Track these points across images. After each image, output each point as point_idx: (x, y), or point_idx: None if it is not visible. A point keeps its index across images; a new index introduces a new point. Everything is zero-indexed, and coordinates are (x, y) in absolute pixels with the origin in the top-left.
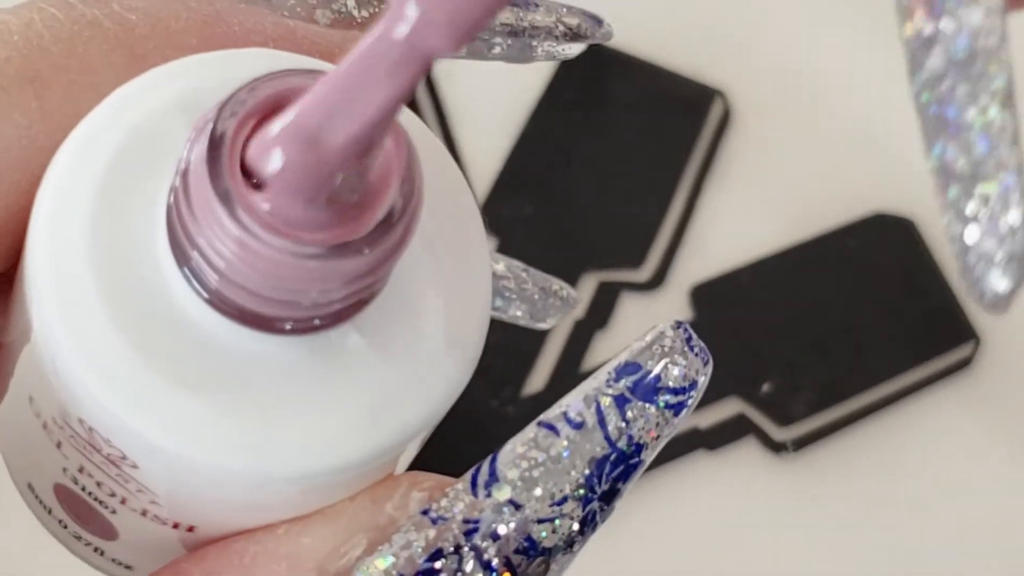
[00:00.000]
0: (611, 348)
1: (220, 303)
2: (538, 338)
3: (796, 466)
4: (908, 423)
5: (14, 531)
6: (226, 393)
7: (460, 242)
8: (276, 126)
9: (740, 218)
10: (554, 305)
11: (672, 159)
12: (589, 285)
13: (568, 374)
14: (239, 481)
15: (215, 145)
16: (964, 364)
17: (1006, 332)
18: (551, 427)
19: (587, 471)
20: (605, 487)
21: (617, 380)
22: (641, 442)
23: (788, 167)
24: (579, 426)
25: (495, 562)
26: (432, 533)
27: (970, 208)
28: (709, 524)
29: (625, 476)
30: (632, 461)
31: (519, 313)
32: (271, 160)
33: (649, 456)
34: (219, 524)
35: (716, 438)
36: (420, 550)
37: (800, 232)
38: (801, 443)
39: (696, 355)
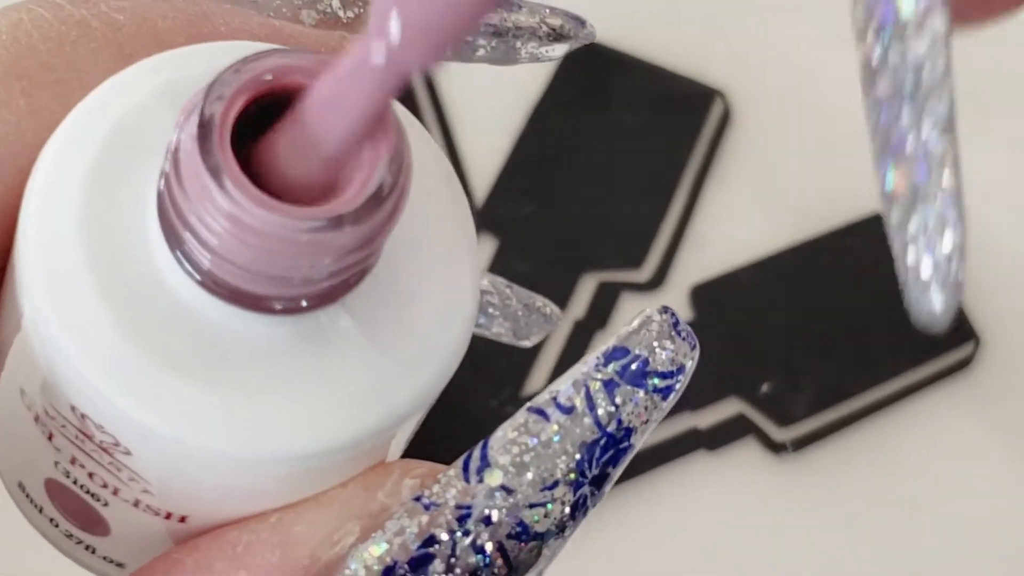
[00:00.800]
0: None
1: (212, 284)
2: None
3: (796, 466)
4: (908, 423)
5: (9, 532)
6: (217, 375)
7: (449, 230)
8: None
9: (740, 218)
10: (537, 322)
11: (672, 159)
12: (589, 285)
13: None
14: (231, 464)
15: (204, 124)
16: (964, 364)
17: (1006, 332)
18: (541, 412)
19: (577, 456)
20: (595, 471)
21: (606, 365)
22: (631, 426)
23: (788, 167)
24: (569, 411)
25: (488, 547)
26: (425, 519)
27: (910, 232)
28: (709, 524)
29: (615, 460)
30: (622, 445)
31: (502, 330)
32: None
33: (639, 440)
34: (210, 513)
35: (716, 438)
36: (413, 536)
37: (800, 232)
38: (801, 443)
39: (683, 339)
